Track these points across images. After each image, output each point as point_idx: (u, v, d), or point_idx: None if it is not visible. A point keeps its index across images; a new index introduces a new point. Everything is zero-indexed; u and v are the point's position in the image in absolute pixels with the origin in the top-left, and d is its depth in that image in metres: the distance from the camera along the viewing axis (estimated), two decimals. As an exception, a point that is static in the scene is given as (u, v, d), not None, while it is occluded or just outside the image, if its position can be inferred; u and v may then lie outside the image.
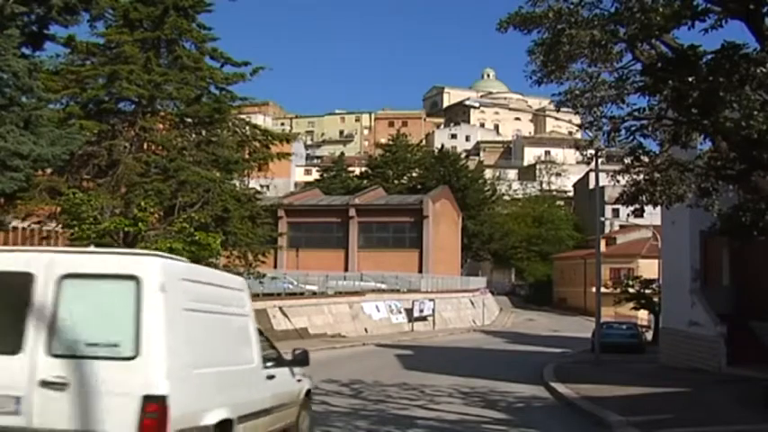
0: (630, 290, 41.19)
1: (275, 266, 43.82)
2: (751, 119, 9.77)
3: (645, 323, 47.14)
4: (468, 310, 56.98)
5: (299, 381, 9.27)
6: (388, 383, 17.24)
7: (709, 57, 9.96)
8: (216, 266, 26.64)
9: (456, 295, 55.80)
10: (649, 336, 40.66)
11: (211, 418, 6.45)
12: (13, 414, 5.79)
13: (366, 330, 38.84)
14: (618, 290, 43.38)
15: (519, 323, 61.04)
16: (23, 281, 6.02)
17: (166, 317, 6.01)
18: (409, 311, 44.52)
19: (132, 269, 6.08)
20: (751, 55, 9.61)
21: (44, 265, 6.07)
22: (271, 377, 8.13)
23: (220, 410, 6.64)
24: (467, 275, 68.14)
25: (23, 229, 30.96)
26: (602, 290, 28.47)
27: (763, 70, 9.52)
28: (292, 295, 34.09)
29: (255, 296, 30.09)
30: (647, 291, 39.43)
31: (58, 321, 5.94)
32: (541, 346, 37.14)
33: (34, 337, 5.91)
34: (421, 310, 45.47)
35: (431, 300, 47.41)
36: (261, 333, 8.30)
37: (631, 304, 42.09)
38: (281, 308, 31.75)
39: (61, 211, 22.54)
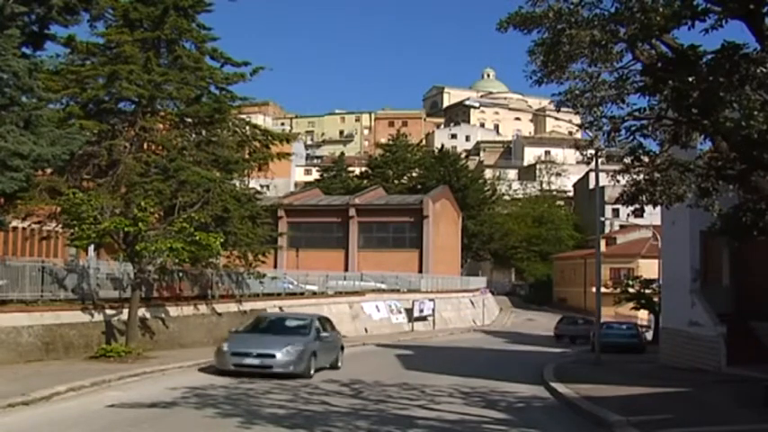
0: (630, 290, 41.22)
1: (275, 266, 43.85)
2: (751, 119, 9.77)
3: (645, 323, 47.17)
4: (468, 310, 56.94)
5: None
6: (388, 383, 17.23)
7: (710, 57, 9.96)
8: (216, 266, 26.85)
9: (456, 295, 55.80)
10: (649, 336, 40.69)
11: None
12: None
13: (366, 330, 38.83)
14: (618, 290, 43.39)
15: (519, 323, 61.05)
16: None
17: None
18: (409, 311, 44.51)
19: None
20: (751, 55, 9.60)
21: None
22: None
23: None
24: (467, 275, 68.11)
25: (23, 228, 30.97)
26: (603, 290, 28.48)
27: (763, 70, 9.52)
28: (292, 295, 34.05)
29: (255, 296, 30.20)
30: (647, 291, 39.45)
31: None
32: (541, 346, 37.17)
33: None
34: (421, 310, 45.43)
35: (431, 300, 47.37)
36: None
37: (631, 304, 42.12)
38: (281, 308, 31.72)
39: (61, 211, 22.52)
